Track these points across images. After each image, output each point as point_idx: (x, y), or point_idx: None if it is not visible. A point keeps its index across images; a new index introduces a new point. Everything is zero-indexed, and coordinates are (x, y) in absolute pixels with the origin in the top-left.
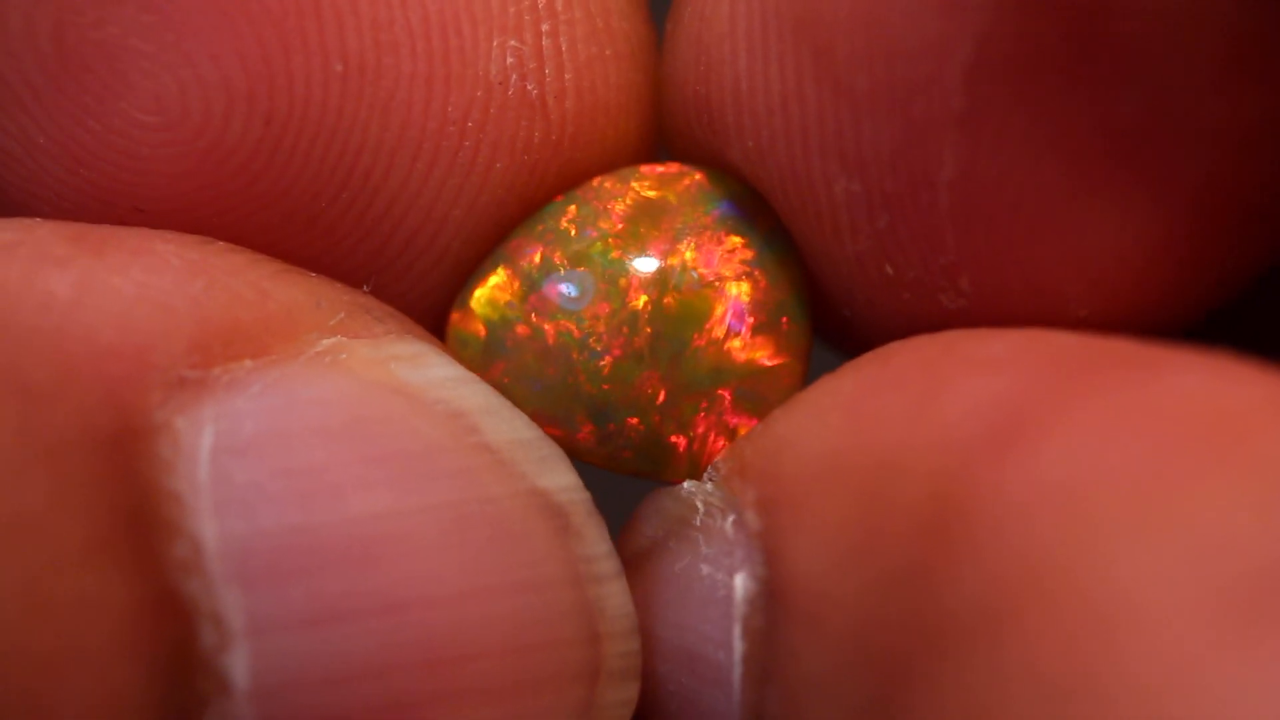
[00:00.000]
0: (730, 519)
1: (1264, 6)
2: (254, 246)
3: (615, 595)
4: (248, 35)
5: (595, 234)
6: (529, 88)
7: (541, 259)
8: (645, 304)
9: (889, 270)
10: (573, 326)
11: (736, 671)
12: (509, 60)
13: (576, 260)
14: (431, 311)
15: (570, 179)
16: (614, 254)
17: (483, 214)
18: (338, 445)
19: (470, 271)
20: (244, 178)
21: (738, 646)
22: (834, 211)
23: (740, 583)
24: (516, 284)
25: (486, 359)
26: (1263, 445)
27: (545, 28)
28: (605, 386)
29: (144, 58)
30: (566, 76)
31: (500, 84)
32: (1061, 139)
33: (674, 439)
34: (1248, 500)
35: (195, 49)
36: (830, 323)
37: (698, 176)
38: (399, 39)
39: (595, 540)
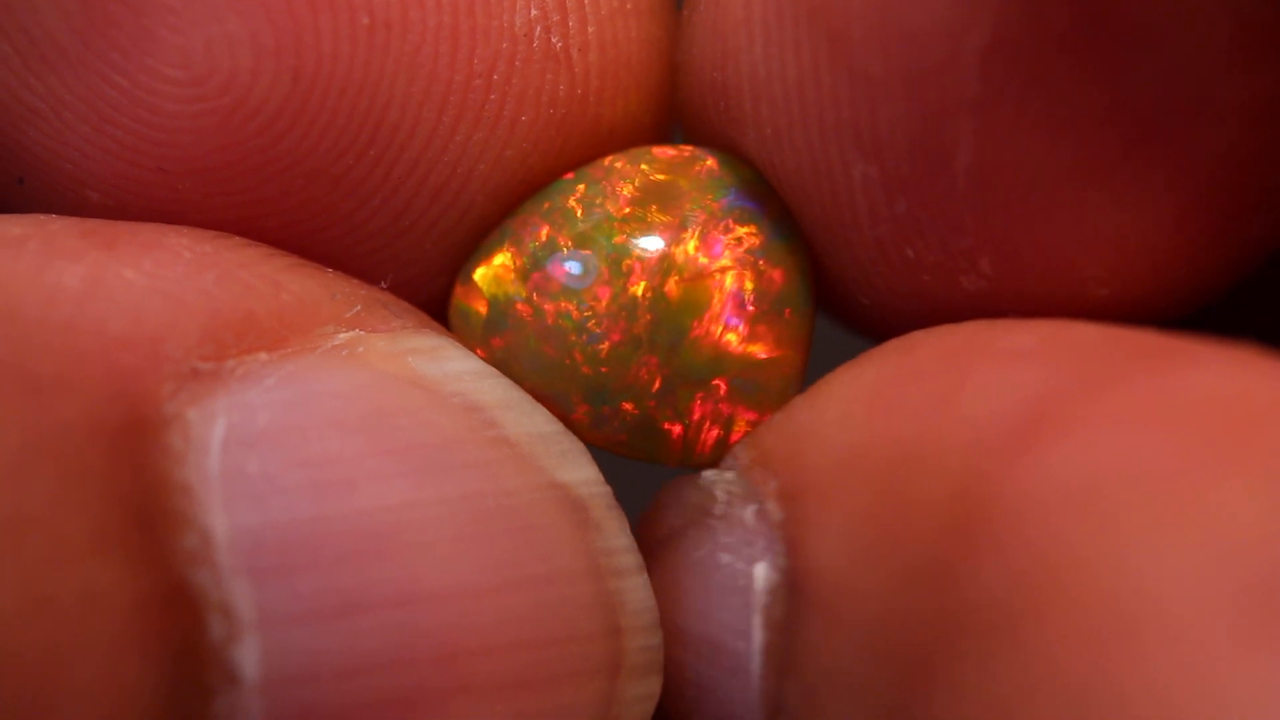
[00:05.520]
0: (751, 508)
1: None
2: (277, 209)
3: (636, 589)
4: None
5: (601, 216)
6: (553, 40)
7: (546, 238)
8: (646, 290)
9: (909, 254)
10: (573, 308)
11: (756, 661)
12: (533, 13)
13: (580, 241)
14: (451, 271)
15: (595, 135)
16: (618, 237)
17: (508, 169)
18: (353, 437)
19: (494, 228)
20: (269, 135)
21: (757, 636)
22: (852, 197)
23: (761, 572)
24: (520, 261)
25: (486, 334)
26: None
27: None
28: (603, 369)
29: (170, 13)
30: (590, 29)
31: (525, 36)
32: (1076, 120)
33: (668, 425)
34: (1269, 497)
35: (222, 4)
36: (849, 310)
37: (709, 162)
38: None
39: (616, 534)
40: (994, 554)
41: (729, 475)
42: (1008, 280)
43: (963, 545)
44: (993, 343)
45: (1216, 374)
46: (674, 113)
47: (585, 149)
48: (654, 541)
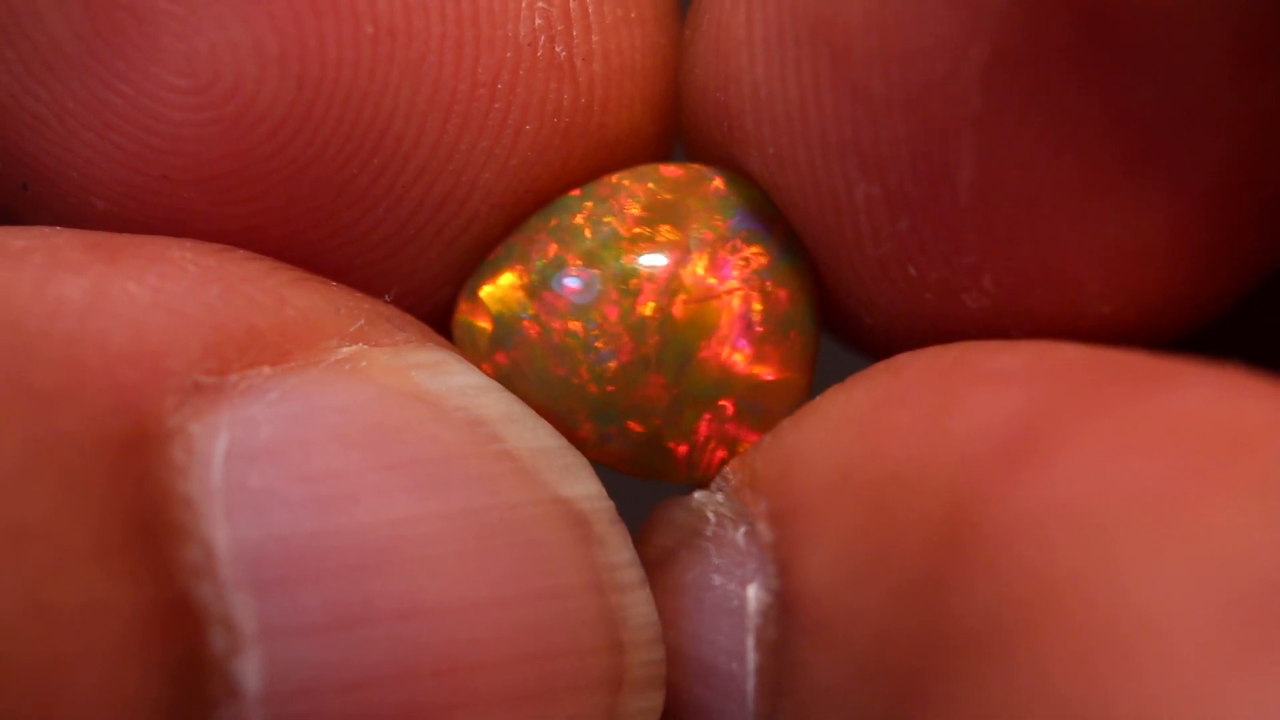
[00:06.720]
0: (742, 530)
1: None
2: (282, 217)
3: (639, 604)
4: None
5: (609, 234)
6: (557, 49)
7: (554, 255)
8: (655, 310)
9: (912, 272)
10: (580, 326)
11: (750, 683)
12: (537, 22)
13: (588, 260)
14: (456, 280)
15: (599, 144)
16: (626, 256)
17: (513, 178)
18: (356, 452)
19: (499, 239)
20: (274, 143)
21: (751, 658)
22: (855, 216)
23: (753, 594)
24: (527, 279)
25: (491, 350)
26: (1273, 460)
27: None
28: (609, 388)
29: (174, 20)
30: (594, 38)
31: (529, 46)
32: (1077, 135)
33: (673, 445)
34: (1259, 515)
35: (226, 11)
36: (853, 331)
37: (716, 182)
38: (429, 1)
39: (618, 548)
40: (986, 571)
41: (719, 497)
42: (1010, 298)
43: (954, 563)
44: (980, 364)
45: (1203, 394)
46: (677, 122)
47: (590, 158)
48: (646, 563)
